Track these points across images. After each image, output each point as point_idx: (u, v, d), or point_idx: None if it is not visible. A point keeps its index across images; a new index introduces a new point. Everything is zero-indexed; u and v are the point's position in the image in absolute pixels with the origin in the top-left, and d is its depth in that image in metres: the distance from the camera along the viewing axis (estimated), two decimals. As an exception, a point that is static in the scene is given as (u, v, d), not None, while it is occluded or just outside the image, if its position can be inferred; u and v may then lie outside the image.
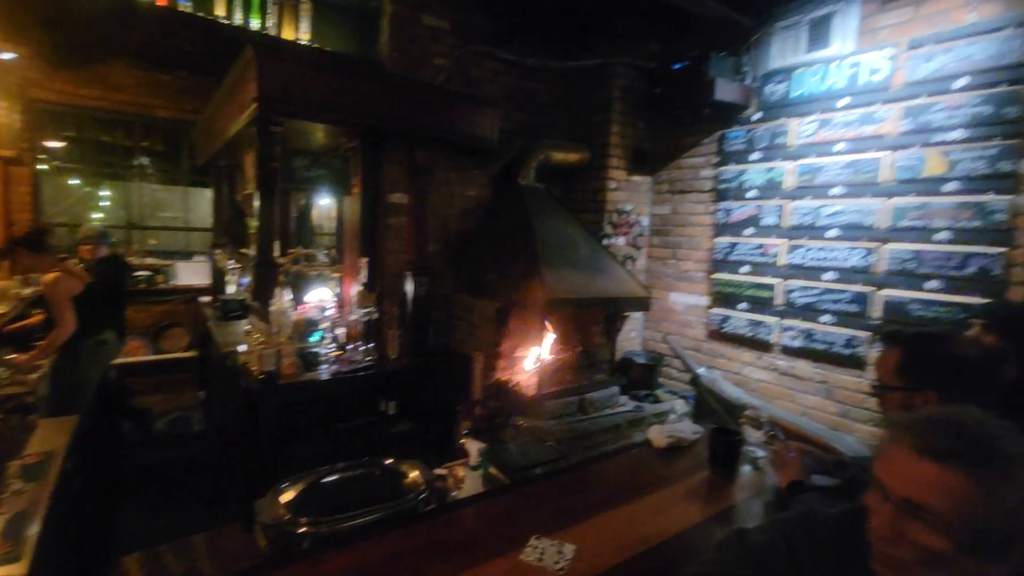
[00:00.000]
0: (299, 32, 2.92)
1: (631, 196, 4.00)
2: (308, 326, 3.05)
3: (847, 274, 2.92)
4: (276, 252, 4.30)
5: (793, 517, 0.99)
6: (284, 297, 2.95)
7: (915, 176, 2.65)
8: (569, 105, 4.12)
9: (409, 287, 3.29)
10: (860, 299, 2.85)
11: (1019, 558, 0.72)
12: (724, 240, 3.55)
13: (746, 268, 3.42)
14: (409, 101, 3.07)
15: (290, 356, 2.77)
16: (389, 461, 1.65)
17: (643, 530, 1.35)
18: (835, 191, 2.96)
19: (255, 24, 2.80)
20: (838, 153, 2.95)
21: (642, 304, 3.44)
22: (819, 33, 3.02)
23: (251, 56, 2.53)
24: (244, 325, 3.50)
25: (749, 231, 3.41)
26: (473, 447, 1.48)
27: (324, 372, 2.95)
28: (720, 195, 3.59)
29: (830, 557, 0.88)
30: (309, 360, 3.01)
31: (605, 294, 3.24)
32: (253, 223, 3.98)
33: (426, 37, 3.38)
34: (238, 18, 2.76)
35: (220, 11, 2.76)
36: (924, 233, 2.62)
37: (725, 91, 3.23)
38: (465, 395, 3.47)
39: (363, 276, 3.27)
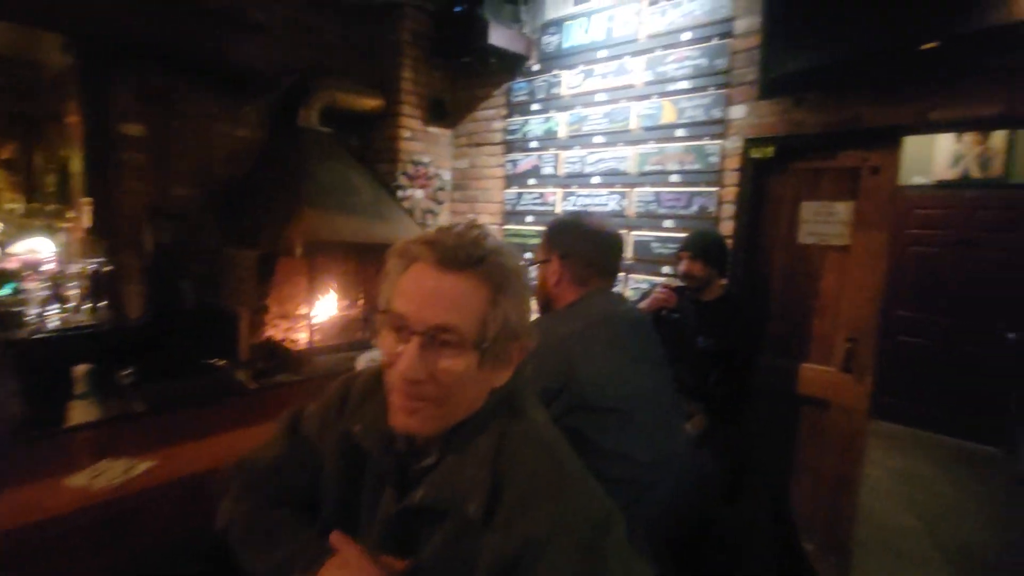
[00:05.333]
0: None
1: (429, 148, 3.88)
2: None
3: (607, 218, 3.09)
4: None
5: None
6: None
7: (654, 124, 2.86)
8: (362, 47, 3.86)
9: (149, 233, 2.83)
10: (617, 241, 3.04)
11: None
12: (512, 191, 3.60)
13: (530, 218, 3.50)
14: (141, 12, 2.60)
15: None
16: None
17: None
18: (597, 139, 3.11)
19: None
20: (599, 103, 3.10)
21: (429, 254, 3.36)
22: (583, -15, 3.13)
23: None
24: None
25: (532, 181, 3.48)
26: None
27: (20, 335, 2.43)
28: (508, 147, 3.62)
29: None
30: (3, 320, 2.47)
31: (382, 239, 3.09)
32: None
33: (165, -58, 2.89)
34: None
35: None
36: (662, 176, 2.85)
37: (501, 37, 3.22)
38: (232, 357, 3.12)
39: (86, 219, 2.75)
